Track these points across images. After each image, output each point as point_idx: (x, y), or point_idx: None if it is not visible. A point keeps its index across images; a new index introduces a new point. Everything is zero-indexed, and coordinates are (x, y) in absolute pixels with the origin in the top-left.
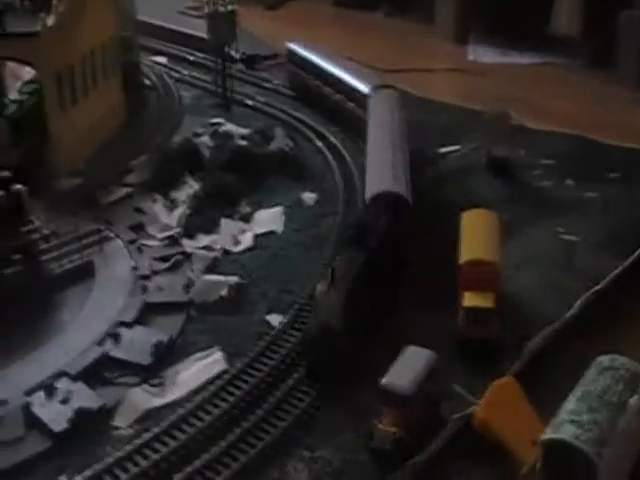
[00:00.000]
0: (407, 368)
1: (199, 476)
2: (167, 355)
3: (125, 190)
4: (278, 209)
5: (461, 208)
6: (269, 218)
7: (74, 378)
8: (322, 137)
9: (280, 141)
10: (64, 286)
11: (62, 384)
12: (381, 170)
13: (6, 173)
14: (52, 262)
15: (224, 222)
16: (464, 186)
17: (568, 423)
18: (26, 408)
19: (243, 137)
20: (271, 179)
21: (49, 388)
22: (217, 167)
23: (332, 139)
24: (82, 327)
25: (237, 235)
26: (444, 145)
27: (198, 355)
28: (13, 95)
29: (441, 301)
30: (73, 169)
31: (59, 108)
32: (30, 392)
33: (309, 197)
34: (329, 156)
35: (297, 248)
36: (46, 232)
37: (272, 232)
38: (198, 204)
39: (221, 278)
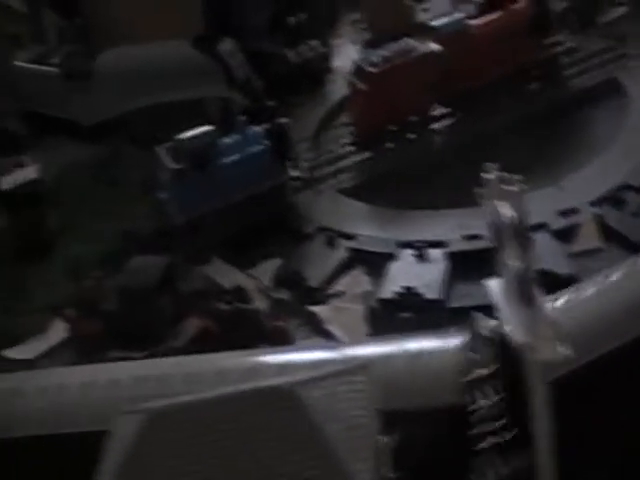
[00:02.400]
0: None
1: None
2: None
3: (622, 9)
4: None
5: None
6: None
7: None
8: None
9: None
10: (590, 103)
11: (630, 197)
12: None
13: None
14: (574, 78)
15: None
16: None
17: None
18: (598, 219)
19: None
20: None
21: (617, 200)
22: None
23: None
24: (628, 146)
25: None
26: None
27: None
28: None
29: None
30: None
31: None
32: (597, 203)
33: None
34: None
35: None
36: (569, 45)
37: None
38: None
39: None
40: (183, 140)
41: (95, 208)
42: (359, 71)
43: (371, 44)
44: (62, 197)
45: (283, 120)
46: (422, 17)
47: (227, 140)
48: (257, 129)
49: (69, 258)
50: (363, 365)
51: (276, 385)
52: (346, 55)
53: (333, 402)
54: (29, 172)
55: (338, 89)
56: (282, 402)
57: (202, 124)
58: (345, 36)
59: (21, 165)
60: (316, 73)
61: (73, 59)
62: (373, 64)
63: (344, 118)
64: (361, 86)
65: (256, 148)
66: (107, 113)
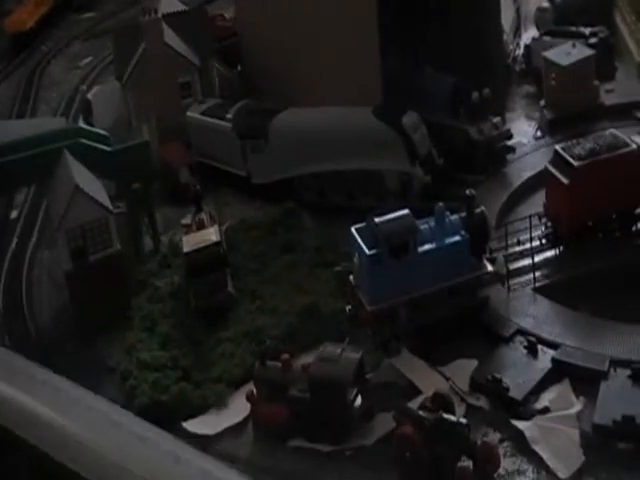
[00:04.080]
0: None
1: None
2: None
3: None
4: None
5: None
6: None
7: None
8: None
9: None
10: None
11: None
12: None
13: None
14: None
15: None
16: None
17: None
18: None
19: None
20: None
21: None
22: None
23: None
24: None
25: None
26: None
27: None
28: None
29: None
30: None
31: None
32: None
33: None
34: None
35: None
36: None
37: None
38: None
39: None
40: (380, 224)
41: (273, 275)
42: (561, 163)
43: (554, 125)
44: (239, 260)
45: (482, 210)
46: (606, 99)
47: (424, 228)
48: (455, 218)
49: (250, 329)
50: None
51: None
52: (522, 131)
53: None
54: (211, 234)
55: (520, 169)
56: None
57: (382, 197)
58: (518, 110)
59: (203, 225)
60: (498, 151)
61: (247, 117)
62: (577, 157)
63: (531, 206)
64: (563, 179)
65: (454, 238)
66: (280, 174)
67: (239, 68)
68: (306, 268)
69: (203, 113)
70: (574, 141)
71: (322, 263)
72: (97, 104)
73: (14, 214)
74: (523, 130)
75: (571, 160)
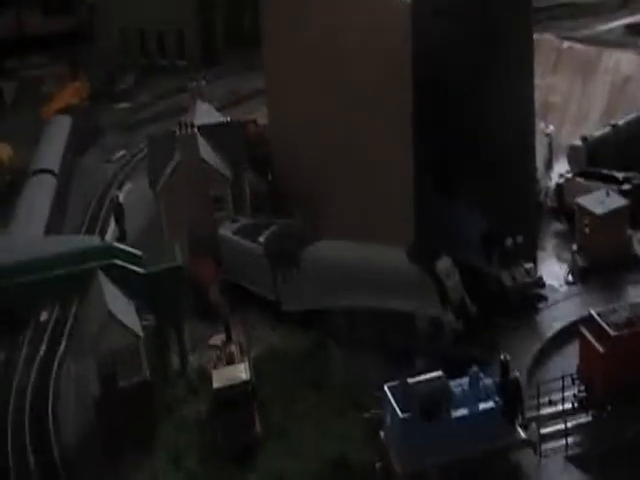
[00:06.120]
0: None
1: None
2: None
3: None
4: None
5: None
6: None
7: None
8: None
9: None
10: None
11: None
12: None
13: None
14: None
15: None
16: None
17: None
18: None
19: None
20: None
21: None
22: None
23: None
24: None
25: None
26: None
27: None
28: None
29: None
30: None
31: None
32: None
33: None
34: None
35: None
36: None
37: None
38: None
39: None
40: (413, 386)
41: (301, 412)
42: (596, 329)
43: (587, 273)
44: (267, 392)
45: (516, 376)
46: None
47: (458, 391)
48: (489, 382)
49: (277, 475)
50: None
51: None
52: (552, 272)
53: None
54: (241, 372)
55: (552, 319)
56: None
57: (413, 337)
58: (549, 249)
59: (233, 359)
60: (530, 299)
61: (280, 242)
62: (614, 326)
63: (563, 358)
64: (598, 347)
65: (488, 404)
66: (310, 304)
67: (269, 177)
68: (334, 407)
69: (235, 233)
70: (610, 307)
71: (351, 403)
72: (129, 207)
73: (44, 316)
74: (554, 272)
75: (607, 329)
